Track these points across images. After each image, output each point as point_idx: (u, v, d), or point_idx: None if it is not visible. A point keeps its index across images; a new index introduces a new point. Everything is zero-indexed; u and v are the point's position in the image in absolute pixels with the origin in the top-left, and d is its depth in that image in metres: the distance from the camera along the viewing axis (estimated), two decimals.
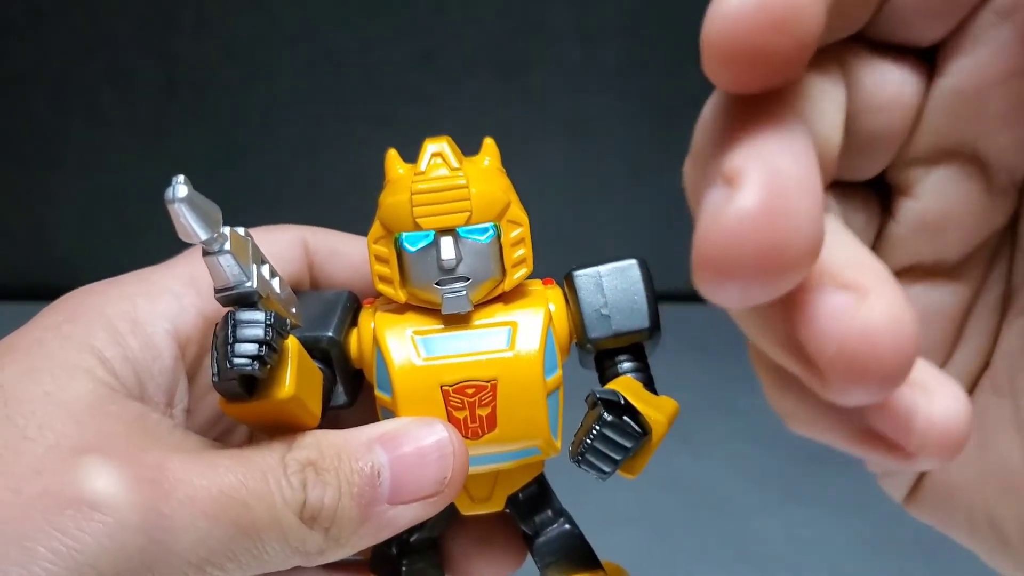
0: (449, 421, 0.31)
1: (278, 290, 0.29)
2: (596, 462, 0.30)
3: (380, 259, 0.32)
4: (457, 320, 0.32)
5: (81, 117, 0.77)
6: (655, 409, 0.31)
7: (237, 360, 0.26)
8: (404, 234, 0.31)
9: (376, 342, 0.32)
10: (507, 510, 0.34)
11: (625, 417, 0.30)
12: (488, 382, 0.31)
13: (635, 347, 0.33)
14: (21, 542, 0.23)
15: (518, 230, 0.32)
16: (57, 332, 0.29)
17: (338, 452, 0.29)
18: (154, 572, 0.24)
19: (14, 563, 0.23)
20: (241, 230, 0.27)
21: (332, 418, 0.35)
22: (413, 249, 0.31)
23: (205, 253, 0.26)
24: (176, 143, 0.77)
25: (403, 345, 0.32)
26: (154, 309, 0.30)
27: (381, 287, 0.32)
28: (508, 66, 0.73)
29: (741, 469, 0.78)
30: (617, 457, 0.30)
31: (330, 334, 0.33)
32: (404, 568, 0.34)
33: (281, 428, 0.29)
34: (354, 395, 0.34)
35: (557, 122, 0.75)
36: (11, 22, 0.74)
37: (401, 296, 0.32)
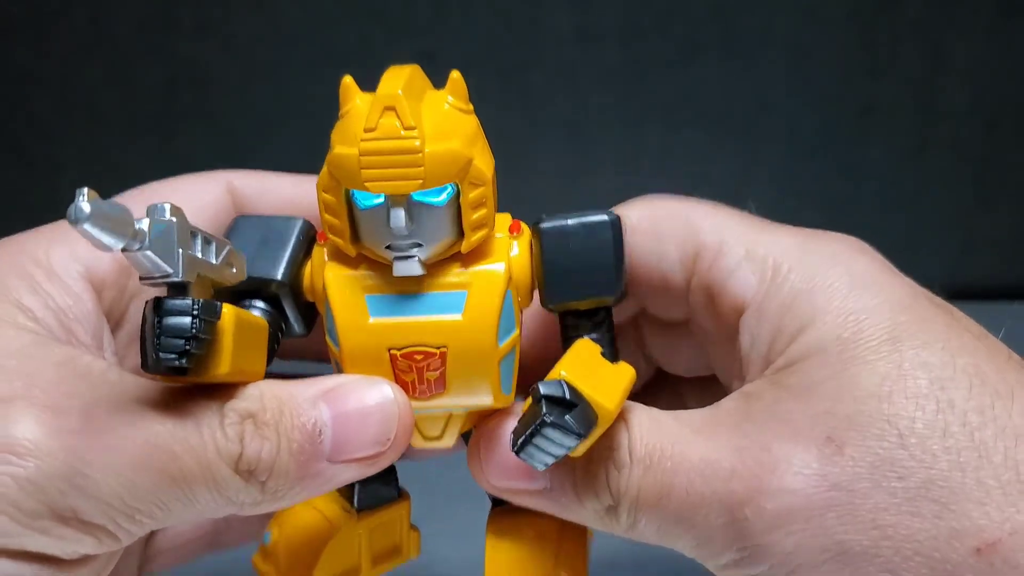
0: (396, 382, 0.30)
1: (214, 260, 0.28)
2: (536, 457, 0.28)
3: (329, 209, 0.30)
4: (410, 281, 0.29)
5: (81, 117, 0.77)
6: (604, 391, 0.28)
7: (164, 355, 0.25)
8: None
9: (326, 295, 0.30)
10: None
11: (568, 416, 0.27)
12: (438, 348, 0.29)
13: (600, 308, 0.31)
14: None
15: (479, 190, 0.29)
16: None
17: (280, 406, 0.27)
18: (78, 515, 0.24)
19: None
20: (167, 207, 0.26)
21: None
22: (364, 206, 0.29)
23: (124, 250, 0.25)
24: (176, 143, 0.78)
25: (353, 303, 0.30)
26: (66, 252, 0.30)
27: (332, 237, 0.30)
28: (508, 67, 0.73)
29: None
30: (558, 453, 0.27)
31: (279, 278, 0.31)
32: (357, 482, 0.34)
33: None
34: (309, 325, 0.33)
35: (556, 122, 0.75)
36: (11, 22, 0.74)
37: (351, 250, 0.30)
